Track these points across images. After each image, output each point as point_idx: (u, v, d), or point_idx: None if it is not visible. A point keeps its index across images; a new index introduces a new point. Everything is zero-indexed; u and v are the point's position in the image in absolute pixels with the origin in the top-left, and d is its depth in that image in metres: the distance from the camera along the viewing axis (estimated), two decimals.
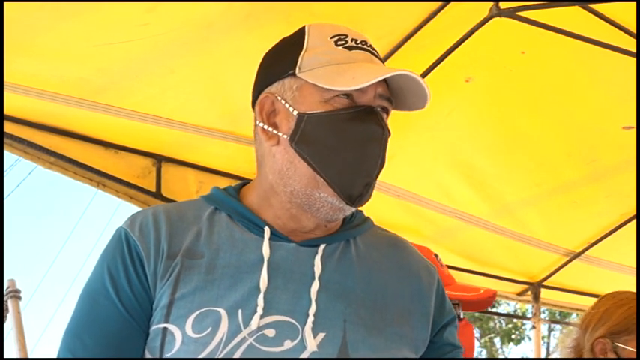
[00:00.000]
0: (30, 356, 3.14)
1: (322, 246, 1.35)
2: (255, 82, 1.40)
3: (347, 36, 1.35)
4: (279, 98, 1.34)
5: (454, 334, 1.43)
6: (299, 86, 1.32)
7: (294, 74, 1.33)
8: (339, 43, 1.34)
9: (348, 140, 1.30)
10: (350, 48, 1.34)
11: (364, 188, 1.32)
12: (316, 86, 1.30)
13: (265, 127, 1.35)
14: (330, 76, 1.30)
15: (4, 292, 3.10)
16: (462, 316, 2.23)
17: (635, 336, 2.29)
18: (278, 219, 1.35)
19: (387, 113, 1.36)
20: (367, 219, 1.45)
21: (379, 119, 1.32)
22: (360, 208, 1.41)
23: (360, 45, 1.35)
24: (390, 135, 1.34)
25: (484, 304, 2.34)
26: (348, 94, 1.31)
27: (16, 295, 3.11)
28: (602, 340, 2.28)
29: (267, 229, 1.34)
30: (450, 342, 1.42)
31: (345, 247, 1.37)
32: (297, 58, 1.33)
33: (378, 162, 1.32)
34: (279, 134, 1.33)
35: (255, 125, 1.37)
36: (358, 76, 1.29)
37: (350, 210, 1.34)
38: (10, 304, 3.07)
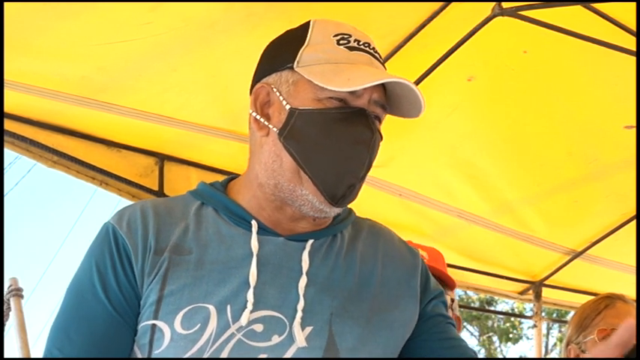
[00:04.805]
0: (31, 353, 3.14)
1: (310, 241, 1.35)
2: (255, 70, 1.41)
3: (350, 36, 1.36)
4: (274, 90, 1.34)
5: (441, 307, 1.44)
6: (295, 81, 1.33)
7: (292, 68, 1.33)
8: (341, 42, 1.34)
9: (336, 140, 1.30)
10: (351, 48, 1.34)
11: (348, 189, 1.32)
12: (311, 83, 1.31)
13: (257, 116, 1.36)
14: (325, 74, 1.30)
15: (6, 290, 3.10)
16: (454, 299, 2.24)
17: (630, 335, 2.34)
18: (263, 210, 1.36)
19: (380, 120, 1.36)
20: (350, 211, 1.45)
21: (370, 122, 1.32)
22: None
23: (361, 46, 1.35)
24: (381, 139, 1.35)
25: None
26: (341, 99, 1.30)
27: (18, 293, 3.11)
28: (569, 347, 2.36)
29: (254, 223, 1.34)
30: (439, 313, 1.43)
31: (331, 241, 1.38)
32: (297, 53, 1.34)
33: (364, 164, 1.33)
34: (270, 126, 1.34)
35: (249, 114, 1.38)
36: (353, 78, 1.29)
37: (332, 211, 1.34)
38: (12, 302, 3.07)
